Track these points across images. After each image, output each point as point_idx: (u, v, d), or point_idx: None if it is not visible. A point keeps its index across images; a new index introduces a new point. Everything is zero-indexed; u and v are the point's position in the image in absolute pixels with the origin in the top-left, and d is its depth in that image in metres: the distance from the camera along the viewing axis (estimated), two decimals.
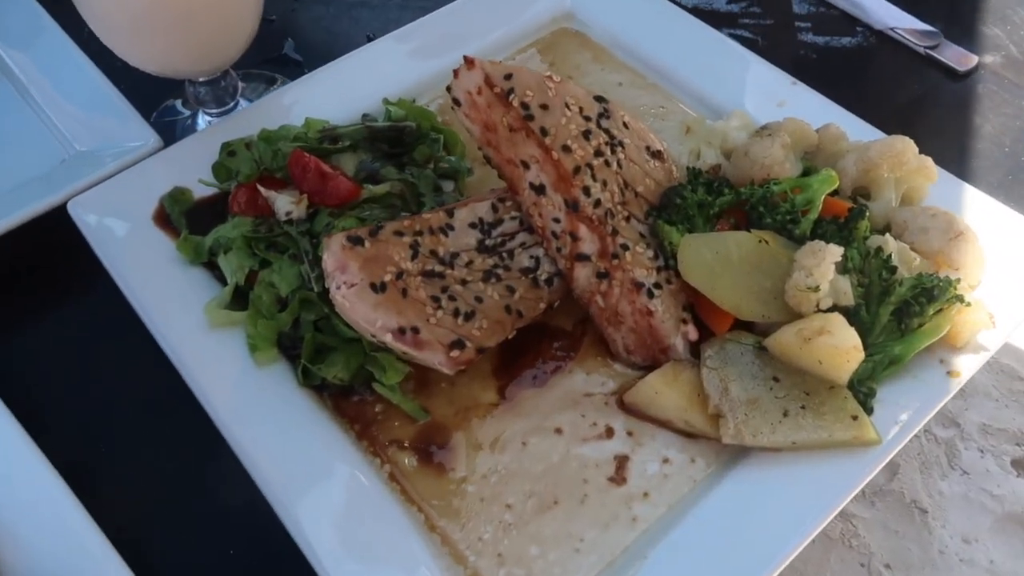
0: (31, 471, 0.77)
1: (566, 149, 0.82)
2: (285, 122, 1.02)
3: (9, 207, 0.97)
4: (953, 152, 1.16)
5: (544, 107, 0.82)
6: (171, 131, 1.13)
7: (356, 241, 0.78)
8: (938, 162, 0.94)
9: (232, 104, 1.11)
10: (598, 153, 0.83)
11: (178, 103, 1.17)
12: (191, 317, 0.87)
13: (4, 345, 0.94)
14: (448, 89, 0.85)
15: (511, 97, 0.81)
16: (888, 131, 0.98)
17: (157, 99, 1.17)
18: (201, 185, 0.98)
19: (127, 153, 1.02)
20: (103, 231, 0.94)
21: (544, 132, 0.81)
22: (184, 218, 0.96)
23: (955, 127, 1.19)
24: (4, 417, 0.80)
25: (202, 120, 1.14)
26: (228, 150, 0.98)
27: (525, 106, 0.81)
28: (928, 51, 1.25)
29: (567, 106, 0.83)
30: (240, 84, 1.11)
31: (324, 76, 1.10)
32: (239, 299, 0.88)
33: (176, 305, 0.88)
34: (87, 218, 0.95)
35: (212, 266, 0.93)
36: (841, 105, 1.06)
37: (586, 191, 0.82)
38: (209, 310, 0.87)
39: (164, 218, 0.97)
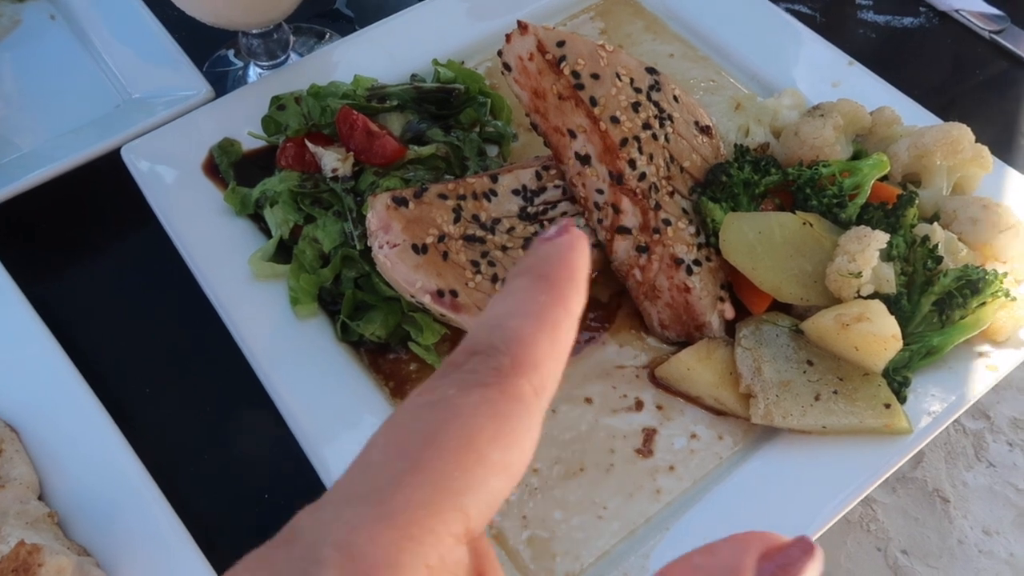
0: (78, 404, 0.80)
1: (614, 120, 0.81)
2: (334, 78, 1.03)
3: (65, 150, 0.99)
4: (1013, 142, 1.13)
5: (595, 76, 0.81)
6: (222, 82, 1.15)
7: (400, 202, 0.79)
8: (996, 152, 0.92)
9: (283, 57, 1.12)
10: (646, 126, 0.82)
11: (230, 54, 1.18)
12: (236, 267, 0.89)
13: (56, 284, 0.97)
14: (499, 53, 0.84)
15: (562, 65, 0.81)
16: (946, 117, 0.96)
17: (210, 49, 1.18)
18: (250, 137, 1.00)
19: (180, 102, 1.04)
20: (154, 178, 0.96)
21: (593, 102, 0.81)
22: (232, 169, 0.97)
23: (1017, 116, 1.15)
24: (54, 351, 0.83)
25: (253, 72, 1.15)
26: (277, 104, 0.99)
27: (576, 75, 0.81)
28: (993, 36, 1.21)
29: (618, 76, 0.83)
30: (291, 38, 1.11)
31: (375, 34, 1.10)
32: (283, 252, 0.90)
33: (221, 255, 0.91)
34: (139, 164, 0.97)
35: (257, 218, 0.95)
36: (899, 88, 1.04)
37: (631, 164, 0.81)
38: (253, 262, 0.89)
39: (213, 168, 0.98)
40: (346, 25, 1.24)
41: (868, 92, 1.01)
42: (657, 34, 1.16)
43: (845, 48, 1.09)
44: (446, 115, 0.98)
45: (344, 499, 0.28)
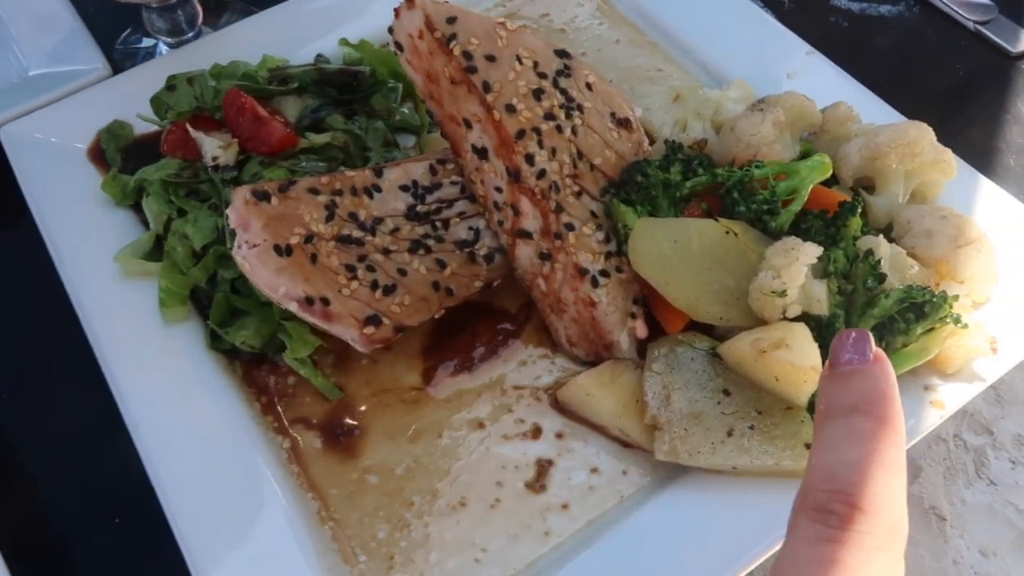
0: None
1: (510, 109, 0.71)
2: (245, 57, 0.94)
3: None
4: (994, 145, 1.01)
5: (490, 58, 0.71)
6: (133, 60, 1.06)
7: (262, 196, 0.70)
8: (974, 155, 0.81)
9: (192, 34, 1.03)
10: (549, 116, 0.72)
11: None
12: (106, 263, 0.81)
13: None
14: (390, 30, 0.75)
15: (452, 44, 0.71)
16: (920, 116, 0.84)
17: (125, 25, 1.09)
18: (145, 121, 0.91)
19: (73, 79, 0.95)
20: (32, 162, 0.88)
21: (487, 87, 0.71)
22: (120, 155, 0.89)
23: (1000, 116, 1.04)
24: None
25: (163, 50, 1.06)
26: (169, 84, 0.90)
27: (468, 55, 0.71)
28: (978, 27, 1.09)
29: (519, 59, 0.73)
30: (201, 13, 1.02)
31: (291, 9, 1.01)
32: (161, 248, 0.82)
33: (93, 249, 0.82)
34: (17, 147, 0.88)
35: (140, 209, 0.86)
36: (867, 83, 0.93)
37: (529, 159, 0.71)
38: (121, 258, 0.80)
39: (99, 153, 0.90)
40: None
41: (827, 86, 0.91)
42: (606, 17, 1.05)
43: (813, 36, 0.98)
44: (350, 100, 0.88)
45: None
